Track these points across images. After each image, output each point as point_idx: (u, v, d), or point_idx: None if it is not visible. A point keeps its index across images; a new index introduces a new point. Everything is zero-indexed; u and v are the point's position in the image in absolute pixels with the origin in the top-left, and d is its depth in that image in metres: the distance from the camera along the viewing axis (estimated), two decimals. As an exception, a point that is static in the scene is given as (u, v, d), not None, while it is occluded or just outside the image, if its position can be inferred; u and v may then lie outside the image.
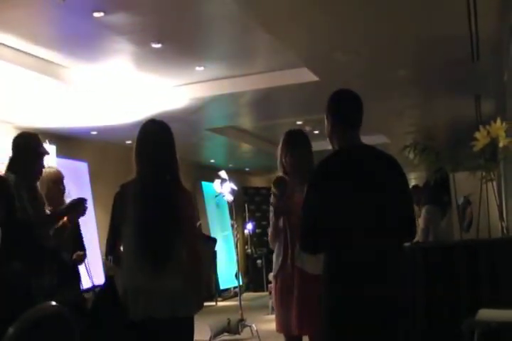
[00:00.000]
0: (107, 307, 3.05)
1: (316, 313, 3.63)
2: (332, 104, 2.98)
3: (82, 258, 4.38)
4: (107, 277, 3.33)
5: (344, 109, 2.95)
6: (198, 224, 3.40)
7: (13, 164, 3.79)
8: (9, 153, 3.79)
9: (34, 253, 3.42)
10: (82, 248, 4.48)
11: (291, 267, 3.72)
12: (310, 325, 3.67)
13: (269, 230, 3.91)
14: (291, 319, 3.70)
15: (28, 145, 3.82)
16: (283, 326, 3.77)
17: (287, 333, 3.79)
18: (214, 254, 3.49)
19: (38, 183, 3.93)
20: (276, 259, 3.84)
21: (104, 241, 3.25)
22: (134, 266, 3.10)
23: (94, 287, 3.99)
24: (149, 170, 3.17)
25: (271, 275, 4.35)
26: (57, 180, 4.41)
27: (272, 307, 10.08)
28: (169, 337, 3.07)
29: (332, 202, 2.79)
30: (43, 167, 3.86)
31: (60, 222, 3.91)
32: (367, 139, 3.43)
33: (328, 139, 3.01)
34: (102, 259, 9.04)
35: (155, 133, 3.24)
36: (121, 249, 3.22)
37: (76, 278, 4.29)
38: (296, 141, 3.94)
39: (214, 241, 3.50)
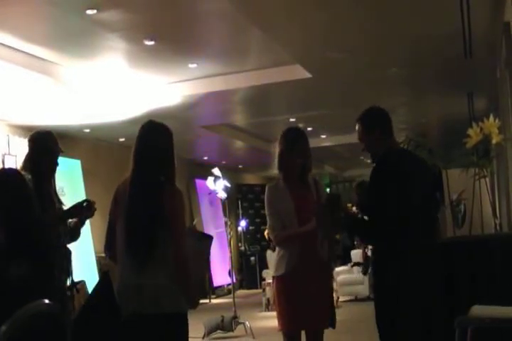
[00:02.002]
0: (101, 304, 3.06)
1: (328, 304, 3.74)
2: (381, 118, 3.56)
3: None
4: (102, 273, 3.34)
5: (389, 122, 3.56)
6: (193, 222, 3.41)
7: (28, 162, 3.76)
8: (4, 149, 3.77)
9: (38, 253, 3.38)
10: None
11: (315, 258, 3.68)
12: (324, 317, 3.69)
13: (282, 233, 3.74)
14: (304, 313, 3.63)
15: (44, 144, 3.78)
16: (293, 323, 3.68)
17: (293, 330, 3.69)
18: (208, 252, 3.45)
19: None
20: (290, 255, 3.69)
21: (98, 238, 3.27)
22: (124, 262, 3.15)
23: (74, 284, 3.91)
24: (141, 170, 3.19)
25: (265, 273, 4.30)
26: None
27: (266, 305, 10.12)
28: (161, 334, 3.08)
29: (406, 195, 3.18)
30: (57, 165, 3.84)
31: (73, 223, 3.86)
32: (360, 136, 3.46)
33: (370, 144, 3.49)
34: (96, 256, 9.06)
35: (150, 135, 3.25)
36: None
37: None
38: (303, 139, 3.85)
39: (210, 238, 3.47)
